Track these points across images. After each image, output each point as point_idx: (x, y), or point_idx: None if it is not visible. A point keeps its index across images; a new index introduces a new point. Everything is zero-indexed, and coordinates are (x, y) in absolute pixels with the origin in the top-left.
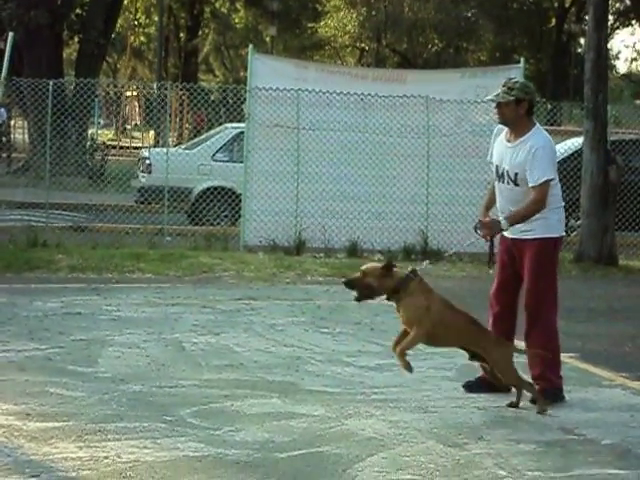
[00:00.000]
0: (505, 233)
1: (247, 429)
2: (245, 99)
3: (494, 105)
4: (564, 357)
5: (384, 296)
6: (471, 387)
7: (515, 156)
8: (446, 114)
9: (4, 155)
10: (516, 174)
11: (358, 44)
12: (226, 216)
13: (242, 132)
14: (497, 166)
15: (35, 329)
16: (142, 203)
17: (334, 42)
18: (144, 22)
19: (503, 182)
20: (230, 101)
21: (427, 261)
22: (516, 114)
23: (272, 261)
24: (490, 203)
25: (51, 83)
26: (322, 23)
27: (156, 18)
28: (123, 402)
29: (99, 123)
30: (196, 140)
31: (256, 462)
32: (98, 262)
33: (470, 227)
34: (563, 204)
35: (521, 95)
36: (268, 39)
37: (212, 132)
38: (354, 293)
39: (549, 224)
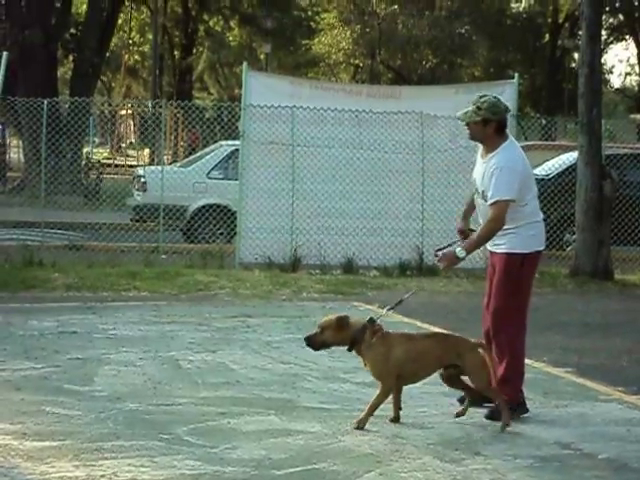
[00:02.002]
0: (491, 247)
1: (244, 446)
2: (240, 116)
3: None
4: (560, 372)
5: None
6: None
7: (483, 173)
8: (441, 130)
9: None
10: (483, 191)
11: (352, 61)
12: (222, 234)
13: (237, 149)
14: (475, 181)
15: (31, 348)
16: (137, 221)
17: (328, 59)
18: (138, 41)
19: (480, 198)
20: (225, 119)
21: (387, 307)
22: (484, 134)
23: (268, 278)
24: (467, 213)
25: (46, 102)
26: (316, 40)
27: (150, 37)
28: (120, 421)
29: (94, 142)
30: (191, 158)
31: (253, 479)
32: (94, 281)
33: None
34: (541, 218)
35: (488, 115)
36: (262, 56)
37: (207, 150)
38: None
39: (518, 239)
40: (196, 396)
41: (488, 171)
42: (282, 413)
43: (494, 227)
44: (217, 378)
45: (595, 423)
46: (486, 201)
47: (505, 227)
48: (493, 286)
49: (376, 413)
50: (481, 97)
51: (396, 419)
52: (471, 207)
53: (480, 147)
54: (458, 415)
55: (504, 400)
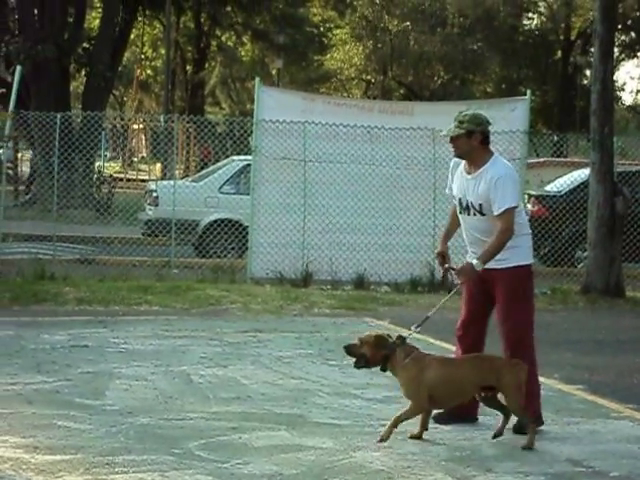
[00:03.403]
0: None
1: (255, 462)
2: (251, 132)
3: (448, 140)
4: (572, 389)
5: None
6: (441, 419)
7: (477, 187)
8: None
9: (11, 188)
10: (481, 205)
11: (364, 76)
12: (233, 248)
13: (249, 164)
14: (460, 199)
15: (42, 362)
16: (149, 236)
17: (340, 75)
18: (151, 55)
19: (469, 214)
20: (237, 134)
21: (415, 325)
22: (470, 146)
23: (279, 293)
24: (449, 234)
25: (59, 116)
26: (328, 56)
27: (163, 51)
28: (131, 435)
29: (106, 156)
30: (203, 173)
31: None
32: (105, 295)
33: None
34: (530, 231)
35: (471, 127)
36: (274, 72)
37: (219, 165)
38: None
39: (522, 251)
40: (207, 411)
41: (486, 184)
42: (293, 428)
43: (507, 236)
44: (228, 393)
45: (606, 441)
46: (482, 214)
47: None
48: (503, 303)
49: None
50: (461, 112)
51: (417, 437)
52: (452, 229)
53: (462, 163)
54: (497, 435)
55: (533, 423)
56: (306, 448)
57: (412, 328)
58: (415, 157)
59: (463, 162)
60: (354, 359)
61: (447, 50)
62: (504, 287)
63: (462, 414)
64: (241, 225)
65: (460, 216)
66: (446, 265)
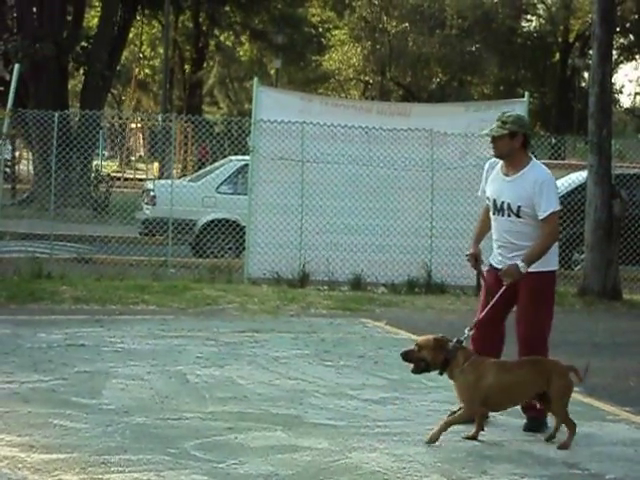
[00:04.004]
0: (499, 265)
1: (251, 462)
2: (249, 131)
3: (489, 139)
4: None
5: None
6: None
7: (517, 189)
8: (450, 147)
9: (9, 187)
10: (519, 207)
11: (362, 77)
12: (230, 248)
13: (246, 164)
14: (494, 200)
15: (39, 361)
16: (146, 235)
17: (338, 75)
18: (149, 54)
19: (502, 215)
20: (234, 133)
21: (468, 327)
22: (511, 147)
23: (276, 294)
24: (480, 236)
25: (56, 115)
26: (327, 56)
27: (161, 51)
28: (127, 434)
29: (103, 155)
30: (200, 172)
31: None
32: (102, 294)
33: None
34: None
35: (514, 128)
36: (273, 72)
37: (216, 164)
38: (411, 365)
39: (548, 257)
40: (203, 411)
41: (529, 187)
42: (289, 429)
43: (553, 239)
44: (224, 393)
45: (602, 443)
46: (518, 216)
47: (532, 244)
48: (525, 305)
49: (382, 431)
50: (505, 113)
51: (473, 438)
52: (484, 230)
53: (499, 164)
54: (549, 438)
55: (573, 428)
56: (302, 449)
57: (466, 331)
58: (413, 158)
59: (499, 164)
60: (412, 365)
61: (445, 51)
62: (527, 289)
63: None
64: (238, 225)
65: (493, 217)
66: (481, 270)
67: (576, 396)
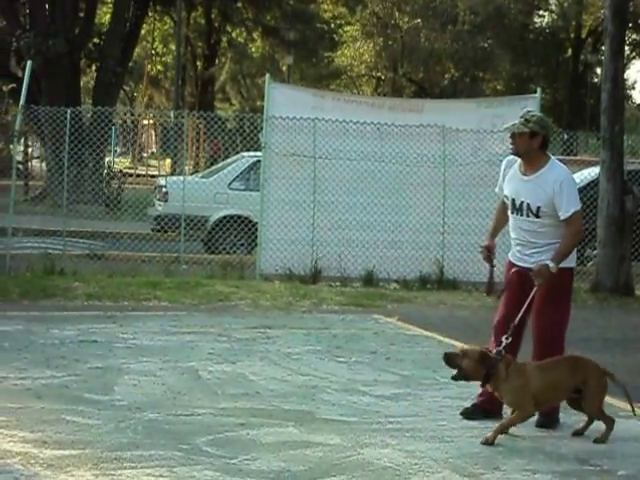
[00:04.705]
0: (518, 262)
1: (263, 458)
2: (261, 128)
3: (509, 135)
4: None
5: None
6: (468, 414)
7: (536, 189)
8: (462, 143)
9: (21, 183)
10: (539, 207)
11: (374, 73)
12: (242, 244)
13: (259, 161)
14: (513, 199)
15: (51, 357)
16: (158, 231)
17: (350, 71)
18: (161, 51)
19: (522, 215)
20: (247, 130)
21: (505, 335)
22: (529, 146)
23: (288, 290)
24: (496, 230)
25: (69, 111)
26: (339, 52)
27: (173, 47)
28: (139, 430)
29: (116, 151)
30: (213, 169)
31: None
32: (114, 290)
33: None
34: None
35: (536, 128)
36: (285, 68)
37: (229, 161)
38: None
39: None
40: (215, 407)
41: (549, 187)
42: (301, 425)
43: (578, 238)
44: (236, 389)
45: (614, 439)
46: (537, 216)
47: (551, 242)
48: (542, 303)
49: (394, 427)
50: (529, 111)
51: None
52: (500, 224)
53: (517, 162)
54: (577, 433)
55: (611, 422)
56: (314, 444)
57: (503, 339)
58: (425, 154)
59: (517, 162)
60: (453, 369)
61: (458, 47)
62: (545, 287)
63: (488, 410)
64: (250, 221)
65: (511, 216)
66: (493, 263)
67: None
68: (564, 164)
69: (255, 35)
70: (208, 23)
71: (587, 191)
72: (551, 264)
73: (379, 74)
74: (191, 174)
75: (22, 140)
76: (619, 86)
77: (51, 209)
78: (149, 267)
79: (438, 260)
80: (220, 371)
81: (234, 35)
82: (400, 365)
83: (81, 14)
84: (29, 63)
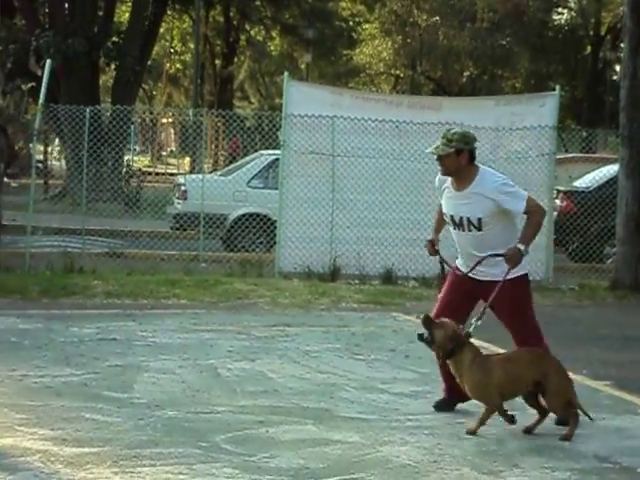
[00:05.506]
0: (470, 274)
1: (282, 455)
2: (280, 126)
3: (435, 158)
4: (599, 385)
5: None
6: (441, 407)
7: (473, 202)
8: (481, 141)
9: (41, 182)
10: (479, 219)
11: (393, 71)
12: (261, 243)
13: (277, 159)
14: (452, 216)
15: (71, 354)
16: (177, 229)
17: (369, 69)
18: (180, 49)
19: (463, 230)
20: (265, 128)
21: (475, 318)
22: (458, 165)
23: (307, 288)
24: (440, 226)
25: (88, 110)
26: (357, 50)
27: (192, 45)
28: (158, 428)
29: (134, 149)
30: (231, 167)
31: None
32: (134, 288)
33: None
34: None
35: (460, 146)
36: (303, 66)
37: (247, 159)
38: (421, 330)
39: (523, 262)
40: (234, 404)
41: (487, 198)
42: (320, 422)
43: (542, 216)
44: (255, 387)
45: (634, 436)
46: (479, 230)
47: (492, 249)
48: (508, 314)
49: (413, 425)
50: (449, 130)
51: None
52: (441, 223)
53: (447, 180)
54: (527, 431)
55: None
56: (333, 442)
57: (472, 321)
58: None
59: (449, 180)
60: (423, 331)
61: (476, 45)
62: (508, 298)
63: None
64: (269, 219)
65: (454, 232)
66: (441, 255)
67: (607, 390)
68: (583, 162)
69: (274, 33)
70: (227, 21)
71: (606, 188)
72: (521, 246)
73: (397, 72)
74: (210, 172)
75: (42, 139)
76: (638, 83)
77: (70, 207)
78: (168, 265)
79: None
80: (239, 369)
81: (253, 33)
82: (419, 363)
83: (100, 13)
84: (48, 62)
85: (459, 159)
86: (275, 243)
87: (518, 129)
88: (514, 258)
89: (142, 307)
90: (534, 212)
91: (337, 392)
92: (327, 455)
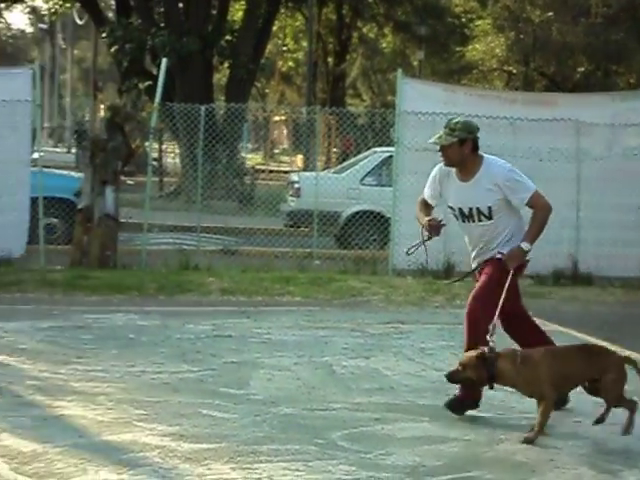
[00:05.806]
0: (475, 263)
1: (398, 453)
2: (393, 123)
3: (438, 148)
4: None
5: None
6: (454, 407)
7: (481, 191)
8: (597, 138)
9: (156, 179)
10: (489, 207)
11: (505, 67)
12: (375, 240)
13: (390, 156)
14: (460, 208)
15: (187, 351)
16: (291, 227)
17: (482, 66)
18: (293, 47)
19: (473, 221)
20: (378, 125)
21: (489, 334)
22: (461, 155)
23: (421, 285)
24: (427, 212)
25: (203, 108)
26: (470, 47)
27: (304, 43)
28: (275, 424)
29: (247, 147)
30: (345, 164)
31: None
32: (248, 285)
33: (621, 251)
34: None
35: (463, 135)
36: (415, 63)
37: (360, 156)
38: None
39: (515, 243)
40: (350, 401)
41: (494, 186)
42: (436, 420)
43: (547, 212)
44: (371, 384)
45: None
46: (491, 218)
47: (510, 239)
48: (484, 277)
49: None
50: (451, 120)
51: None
52: (427, 209)
53: (450, 172)
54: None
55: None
56: (449, 440)
57: (488, 337)
58: (558, 149)
59: (452, 171)
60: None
61: (590, 40)
62: (492, 269)
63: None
64: (383, 217)
65: (462, 225)
66: (409, 248)
67: None
68: None
69: (386, 30)
70: (339, 19)
71: None
72: (524, 244)
73: (510, 68)
74: (323, 170)
75: (157, 137)
76: None
77: (185, 205)
78: (282, 262)
79: (572, 255)
80: (354, 366)
81: (365, 31)
82: None
83: (214, 12)
84: (164, 61)
85: (462, 149)
86: (389, 240)
87: (634, 125)
88: (514, 258)
89: (256, 304)
90: (540, 208)
91: (452, 390)
92: (443, 453)
